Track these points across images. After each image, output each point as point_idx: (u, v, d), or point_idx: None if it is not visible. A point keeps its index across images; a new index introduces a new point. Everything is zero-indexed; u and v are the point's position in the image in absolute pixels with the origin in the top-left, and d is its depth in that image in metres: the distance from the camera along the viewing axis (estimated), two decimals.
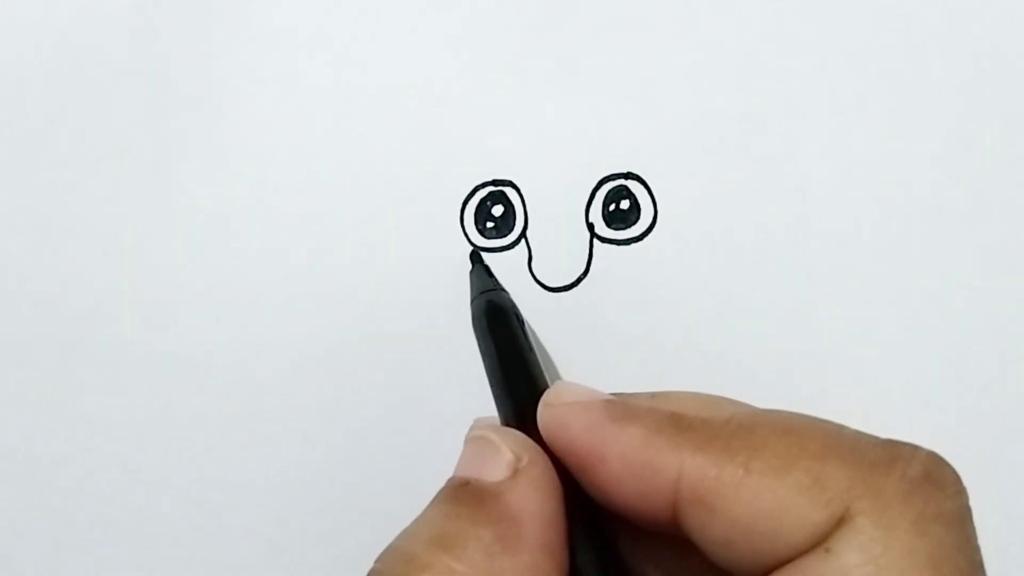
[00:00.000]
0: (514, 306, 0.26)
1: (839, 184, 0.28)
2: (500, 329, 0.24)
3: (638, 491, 0.18)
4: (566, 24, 0.29)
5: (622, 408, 0.19)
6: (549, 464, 0.19)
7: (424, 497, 0.19)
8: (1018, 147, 0.27)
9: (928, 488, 0.16)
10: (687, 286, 0.28)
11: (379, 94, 0.29)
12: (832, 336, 0.27)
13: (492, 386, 0.23)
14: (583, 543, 0.19)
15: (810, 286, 0.28)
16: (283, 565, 0.28)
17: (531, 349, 0.23)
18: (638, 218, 0.28)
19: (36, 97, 0.29)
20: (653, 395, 0.21)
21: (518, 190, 0.28)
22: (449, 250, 0.28)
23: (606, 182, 0.28)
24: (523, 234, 0.28)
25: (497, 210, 0.28)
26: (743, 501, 0.16)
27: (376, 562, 0.18)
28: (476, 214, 0.28)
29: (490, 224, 0.28)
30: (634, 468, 0.18)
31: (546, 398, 0.20)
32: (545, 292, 0.28)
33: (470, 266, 0.28)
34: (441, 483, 0.19)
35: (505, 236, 0.28)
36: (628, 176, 0.28)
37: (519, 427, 0.20)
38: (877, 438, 0.17)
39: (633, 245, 0.28)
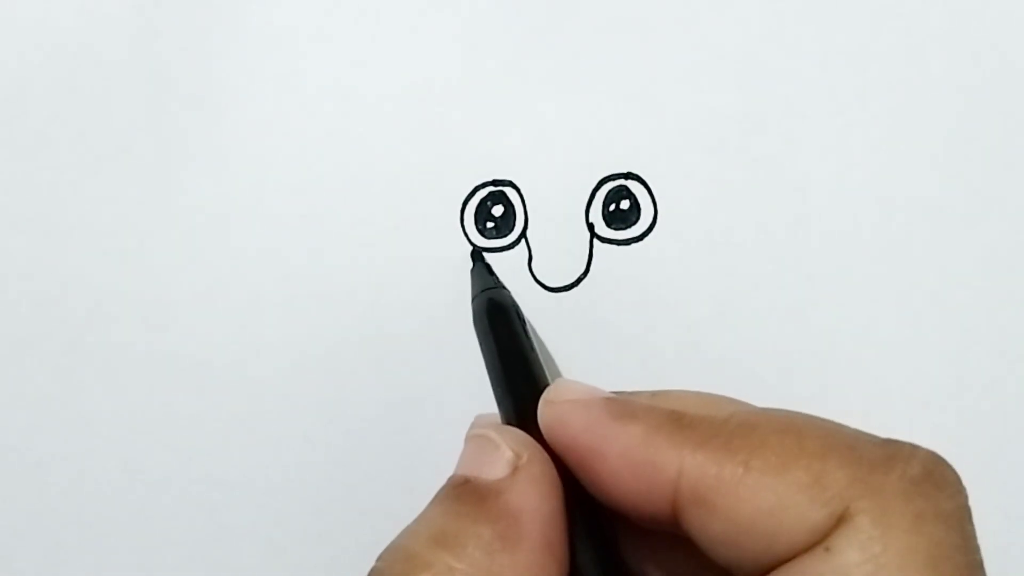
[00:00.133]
0: (515, 304, 0.26)
1: (839, 184, 0.28)
2: (501, 327, 0.24)
3: (638, 489, 0.18)
4: (566, 24, 0.29)
5: (622, 406, 0.19)
6: (549, 462, 0.19)
7: (424, 497, 0.19)
8: (1018, 147, 0.27)
9: (928, 487, 0.16)
10: (687, 286, 0.28)
11: (379, 94, 0.29)
12: (832, 336, 0.27)
13: (493, 383, 0.23)
14: (583, 541, 0.19)
15: (810, 286, 0.28)
16: (283, 565, 0.28)
17: (532, 347, 0.23)
18: (638, 218, 0.28)
19: (36, 97, 0.29)
20: (653, 394, 0.21)
21: (518, 190, 0.28)
22: (449, 250, 0.28)
23: (606, 182, 0.28)
24: (523, 234, 0.28)
25: (497, 210, 0.28)
26: (743, 499, 0.16)
27: (377, 561, 0.18)
28: (476, 214, 0.28)
29: (490, 224, 0.28)
30: (634, 466, 0.18)
31: (547, 395, 0.20)
32: (545, 292, 0.28)
33: (470, 265, 0.28)
34: (441, 483, 0.19)
35: (505, 236, 0.28)
36: (628, 176, 0.28)
37: (520, 424, 0.21)
38: (877, 437, 0.17)
39: (633, 245, 0.28)
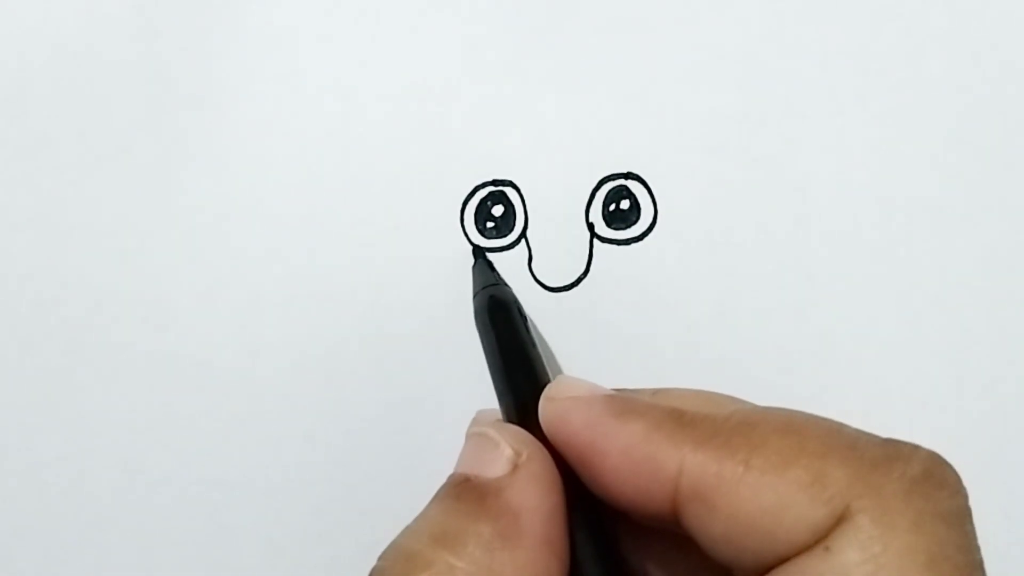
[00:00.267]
0: (516, 301, 0.26)
1: (839, 184, 0.28)
2: (502, 323, 0.24)
3: (638, 486, 0.18)
4: (566, 24, 0.29)
5: (624, 403, 0.19)
6: (549, 459, 0.19)
7: (424, 496, 0.19)
8: (1018, 147, 0.27)
9: (928, 487, 0.16)
10: (687, 286, 0.28)
11: (379, 94, 0.29)
12: (832, 336, 0.27)
13: (494, 380, 0.23)
14: (583, 538, 0.19)
15: (810, 286, 0.28)
16: (283, 565, 0.28)
17: (533, 344, 0.23)
18: (638, 218, 0.28)
19: (36, 97, 0.29)
20: (655, 392, 0.21)
21: (518, 190, 0.28)
22: (449, 250, 0.28)
23: (606, 182, 0.28)
24: (523, 234, 0.28)
25: (497, 210, 0.28)
26: (743, 498, 0.16)
27: (378, 560, 0.18)
28: (476, 214, 0.28)
29: (490, 224, 0.28)
30: (635, 463, 0.18)
31: (548, 392, 0.20)
32: (545, 292, 0.28)
33: (471, 265, 0.28)
34: (441, 482, 0.19)
35: (505, 236, 0.28)
36: (628, 176, 0.28)
37: (520, 421, 0.21)
38: (877, 437, 0.17)
39: (633, 245, 0.28)
